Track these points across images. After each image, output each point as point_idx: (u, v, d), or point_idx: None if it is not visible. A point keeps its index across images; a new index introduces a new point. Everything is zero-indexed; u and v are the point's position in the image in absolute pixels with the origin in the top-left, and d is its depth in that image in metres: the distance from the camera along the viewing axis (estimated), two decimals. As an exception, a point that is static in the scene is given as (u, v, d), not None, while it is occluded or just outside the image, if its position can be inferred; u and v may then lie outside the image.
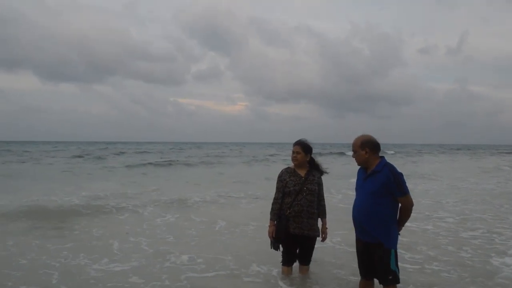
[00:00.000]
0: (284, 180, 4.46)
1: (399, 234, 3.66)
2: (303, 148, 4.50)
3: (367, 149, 3.63)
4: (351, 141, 3.80)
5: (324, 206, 4.58)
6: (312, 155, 4.61)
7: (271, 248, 4.51)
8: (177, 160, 29.55)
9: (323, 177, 4.65)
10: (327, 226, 4.58)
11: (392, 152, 57.03)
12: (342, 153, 47.03)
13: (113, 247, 6.05)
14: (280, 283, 4.55)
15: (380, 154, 3.67)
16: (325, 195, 4.67)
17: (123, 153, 41.65)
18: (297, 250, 4.56)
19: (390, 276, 3.52)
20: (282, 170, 4.61)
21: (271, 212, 4.48)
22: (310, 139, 4.51)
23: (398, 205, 3.60)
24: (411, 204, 3.58)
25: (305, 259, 4.59)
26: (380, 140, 3.69)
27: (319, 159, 4.72)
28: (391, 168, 3.54)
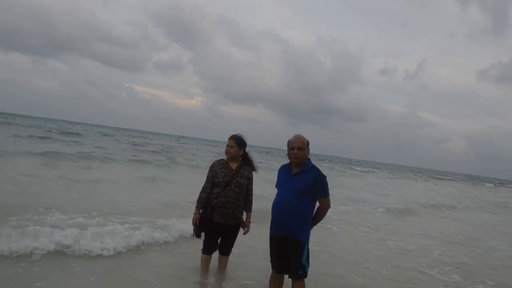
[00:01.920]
0: (215, 171, 4.54)
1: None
2: (237, 142, 4.60)
3: (308, 148, 3.90)
4: None
5: (251, 200, 4.68)
6: (246, 151, 4.71)
7: (193, 235, 4.60)
8: (93, 152, 19.49)
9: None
10: (250, 220, 4.69)
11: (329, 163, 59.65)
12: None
13: None
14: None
15: (318, 163, 3.82)
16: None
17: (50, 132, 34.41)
18: (219, 240, 4.65)
19: (300, 270, 3.78)
20: (214, 161, 4.70)
21: (198, 200, 4.54)
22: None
23: (316, 204, 3.87)
24: (329, 206, 3.88)
25: (226, 250, 4.70)
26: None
27: (253, 155, 4.83)
28: (318, 170, 3.83)
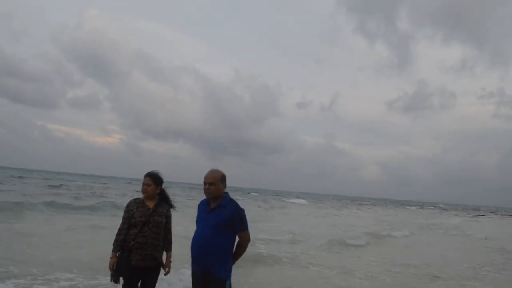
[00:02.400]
0: (131, 211, 4.33)
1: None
2: (154, 179, 4.45)
3: (225, 183, 3.89)
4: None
5: (170, 239, 4.53)
6: (163, 187, 4.57)
7: (111, 280, 4.32)
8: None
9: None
10: (171, 259, 4.53)
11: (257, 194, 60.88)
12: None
13: None
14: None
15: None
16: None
17: None
18: (139, 283, 4.39)
19: None
20: (130, 201, 4.49)
21: (114, 243, 4.30)
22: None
23: (235, 239, 3.85)
24: (249, 240, 3.86)
25: None
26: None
27: (175, 192, 4.90)
28: (236, 204, 3.82)
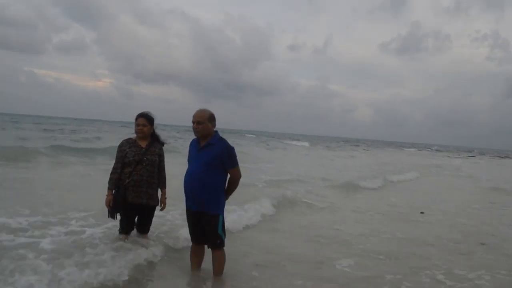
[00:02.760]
0: (124, 151, 4.50)
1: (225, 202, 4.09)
2: (148, 120, 4.58)
3: (213, 122, 3.96)
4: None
5: (164, 177, 4.72)
6: (153, 127, 4.69)
7: (108, 216, 4.55)
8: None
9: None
10: (166, 196, 4.70)
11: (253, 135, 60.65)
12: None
13: None
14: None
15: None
16: None
17: None
18: (136, 219, 4.65)
19: (218, 240, 3.98)
20: (122, 141, 4.63)
21: (109, 182, 4.49)
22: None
23: (227, 176, 3.99)
24: (239, 176, 4.02)
25: (144, 228, 4.72)
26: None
27: (159, 131, 4.80)
28: (225, 142, 3.93)
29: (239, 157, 4.13)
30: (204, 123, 3.91)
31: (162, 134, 4.86)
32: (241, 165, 4.15)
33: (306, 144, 53.48)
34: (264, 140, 51.85)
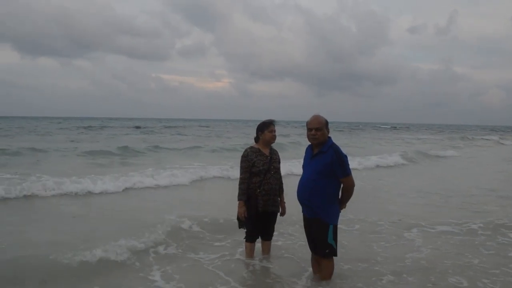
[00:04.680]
0: (251, 160, 4.50)
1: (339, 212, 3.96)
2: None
3: (328, 129, 3.92)
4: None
5: (282, 183, 4.75)
6: None
7: (239, 227, 4.65)
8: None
9: None
10: (284, 201, 4.74)
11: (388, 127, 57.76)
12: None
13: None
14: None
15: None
16: None
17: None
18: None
19: (327, 249, 3.86)
20: (246, 150, 4.61)
21: (239, 192, 4.51)
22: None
23: (340, 185, 3.86)
24: (352, 185, 3.84)
25: (269, 235, 4.77)
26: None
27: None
28: (336, 150, 3.79)
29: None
30: (322, 129, 3.84)
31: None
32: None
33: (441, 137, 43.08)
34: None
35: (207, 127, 56.93)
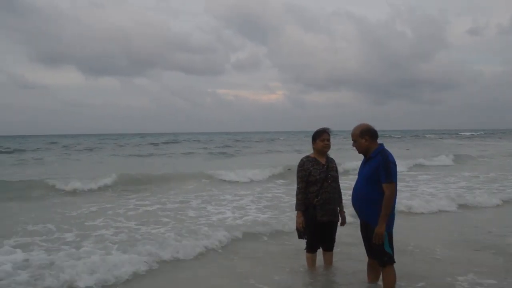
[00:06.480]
0: (308, 169, 4.46)
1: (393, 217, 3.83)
2: (329, 135, 4.56)
3: (366, 137, 3.86)
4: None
5: (341, 192, 4.67)
6: None
7: (299, 238, 4.60)
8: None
9: None
10: (344, 210, 4.67)
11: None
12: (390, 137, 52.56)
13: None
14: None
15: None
16: None
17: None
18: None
19: (385, 257, 3.78)
20: (302, 159, 4.58)
21: (297, 203, 4.49)
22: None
23: None
24: (392, 193, 3.68)
25: (330, 245, 4.68)
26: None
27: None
28: (384, 155, 3.75)
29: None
30: (356, 140, 3.92)
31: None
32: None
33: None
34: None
35: (282, 139, 58.02)
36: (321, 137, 4.49)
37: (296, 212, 4.50)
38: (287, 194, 10.23)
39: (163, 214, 7.95)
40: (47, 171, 16.35)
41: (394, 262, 3.85)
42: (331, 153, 4.70)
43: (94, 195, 10.61)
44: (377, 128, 3.96)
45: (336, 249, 4.80)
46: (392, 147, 5.30)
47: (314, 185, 4.41)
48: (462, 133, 79.46)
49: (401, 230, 5.26)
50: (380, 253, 3.80)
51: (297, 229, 4.52)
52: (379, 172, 3.70)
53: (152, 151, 31.44)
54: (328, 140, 4.51)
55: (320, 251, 4.70)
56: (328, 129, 4.56)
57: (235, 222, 7.19)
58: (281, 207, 8.64)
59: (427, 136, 66.41)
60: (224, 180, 13.13)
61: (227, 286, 4.48)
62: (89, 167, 18.57)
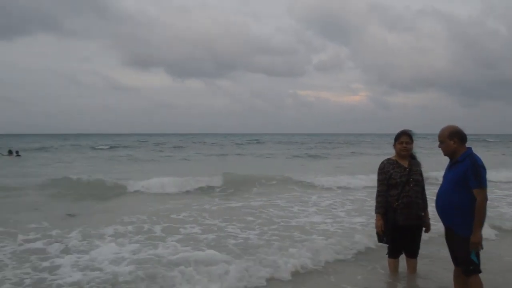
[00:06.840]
0: (388, 172, 4.39)
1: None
2: (411, 138, 4.43)
3: (455, 139, 3.70)
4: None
5: (426, 197, 4.50)
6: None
7: (379, 241, 4.53)
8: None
9: None
10: (429, 216, 4.51)
11: None
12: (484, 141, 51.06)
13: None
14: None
15: None
16: None
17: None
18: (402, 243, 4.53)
19: (471, 266, 3.61)
20: (383, 162, 4.51)
21: (376, 205, 4.44)
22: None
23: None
24: (483, 199, 3.52)
25: (413, 251, 4.54)
26: None
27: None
28: (473, 159, 3.60)
29: None
30: (444, 142, 3.76)
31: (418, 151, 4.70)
32: None
33: None
34: None
35: (370, 142, 57.73)
36: (399, 139, 4.42)
37: (375, 215, 4.47)
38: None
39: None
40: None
41: (480, 272, 3.66)
42: (418, 157, 4.57)
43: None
44: (468, 131, 3.81)
45: (421, 252, 4.65)
46: (481, 152, 4.89)
47: (395, 188, 4.33)
48: None
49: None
50: (465, 261, 3.65)
51: (377, 233, 4.48)
52: (467, 177, 3.56)
53: (254, 151, 34.48)
54: (408, 142, 4.39)
55: (403, 257, 4.59)
56: (409, 131, 4.45)
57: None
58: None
59: None
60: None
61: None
62: (197, 167, 20.53)
